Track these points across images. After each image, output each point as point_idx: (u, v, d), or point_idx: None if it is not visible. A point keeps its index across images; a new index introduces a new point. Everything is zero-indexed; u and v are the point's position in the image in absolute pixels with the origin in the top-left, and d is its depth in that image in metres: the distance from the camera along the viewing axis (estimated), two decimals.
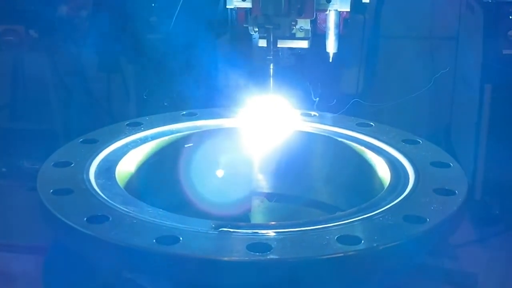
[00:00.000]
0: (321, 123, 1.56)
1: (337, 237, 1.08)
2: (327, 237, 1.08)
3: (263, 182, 1.56)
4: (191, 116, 1.60)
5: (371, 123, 1.54)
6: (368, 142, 1.48)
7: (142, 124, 1.54)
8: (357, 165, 1.47)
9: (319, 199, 1.55)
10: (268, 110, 1.48)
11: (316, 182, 1.55)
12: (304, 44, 1.47)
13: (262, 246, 1.05)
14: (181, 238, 1.07)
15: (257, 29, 1.41)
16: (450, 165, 1.35)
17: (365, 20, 2.19)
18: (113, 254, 1.08)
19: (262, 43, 1.44)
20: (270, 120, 1.49)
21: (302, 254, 1.05)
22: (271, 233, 1.10)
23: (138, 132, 1.51)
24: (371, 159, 1.44)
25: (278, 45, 1.44)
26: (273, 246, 1.05)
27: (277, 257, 1.04)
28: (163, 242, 1.06)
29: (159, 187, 1.44)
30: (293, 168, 1.54)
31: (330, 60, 1.49)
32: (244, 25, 1.44)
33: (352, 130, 1.52)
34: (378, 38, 2.24)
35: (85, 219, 1.12)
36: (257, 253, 1.04)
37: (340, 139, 1.50)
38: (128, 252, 1.06)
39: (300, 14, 1.41)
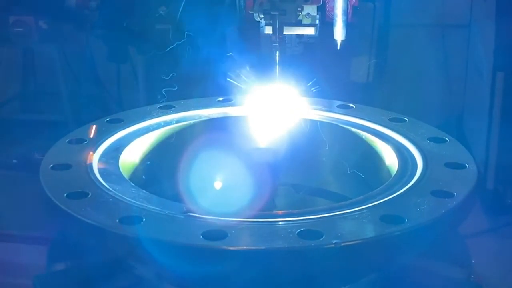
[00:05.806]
0: (353, 115, 1.52)
1: (299, 231, 1.03)
2: (289, 230, 1.04)
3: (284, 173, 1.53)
4: (226, 102, 1.58)
5: (405, 118, 1.48)
6: (391, 137, 1.42)
7: (174, 107, 1.54)
8: (370, 159, 1.44)
9: (328, 189, 1.54)
10: (286, 100, 1.46)
11: (327, 172, 1.54)
12: (311, 31, 1.45)
13: (218, 233, 1.03)
14: (144, 219, 1.06)
15: (262, 16, 1.40)
16: (466, 167, 1.26)
17: (375, 8, 2.17)
18: (79, 230, 1.09)
19: (269, 30, 1.42)
20: (293, 111, 1.47)
21: (251, 246, 1.02)
22: (236, 222, 1.07)
23: (166, 115, 1.50)
24: (385, 155, 1.40)
25: (285, 32, 1.42)
26: (229, 234, 1.02)
27: (225, 246, 1.01)
28: (124, 222, 1.06)
29: (165, 172, 1.43)
30: (313, 159, 1.52)
31: (338, 48, 1.47)
32: (250, 12, 1.42)
33: (381, 125, 1.47)
34: (388, 26, 2.22)
35: (65, 194, 1.13)
36: (208, 240, 1.01)
37: (363, 132, 1.46)
38: (90, 229, 1.07)
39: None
